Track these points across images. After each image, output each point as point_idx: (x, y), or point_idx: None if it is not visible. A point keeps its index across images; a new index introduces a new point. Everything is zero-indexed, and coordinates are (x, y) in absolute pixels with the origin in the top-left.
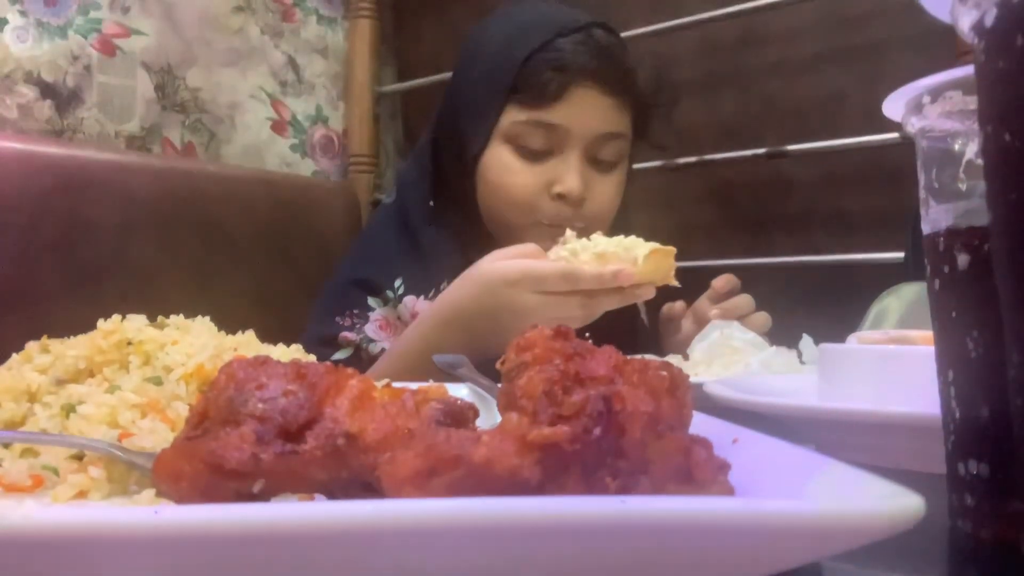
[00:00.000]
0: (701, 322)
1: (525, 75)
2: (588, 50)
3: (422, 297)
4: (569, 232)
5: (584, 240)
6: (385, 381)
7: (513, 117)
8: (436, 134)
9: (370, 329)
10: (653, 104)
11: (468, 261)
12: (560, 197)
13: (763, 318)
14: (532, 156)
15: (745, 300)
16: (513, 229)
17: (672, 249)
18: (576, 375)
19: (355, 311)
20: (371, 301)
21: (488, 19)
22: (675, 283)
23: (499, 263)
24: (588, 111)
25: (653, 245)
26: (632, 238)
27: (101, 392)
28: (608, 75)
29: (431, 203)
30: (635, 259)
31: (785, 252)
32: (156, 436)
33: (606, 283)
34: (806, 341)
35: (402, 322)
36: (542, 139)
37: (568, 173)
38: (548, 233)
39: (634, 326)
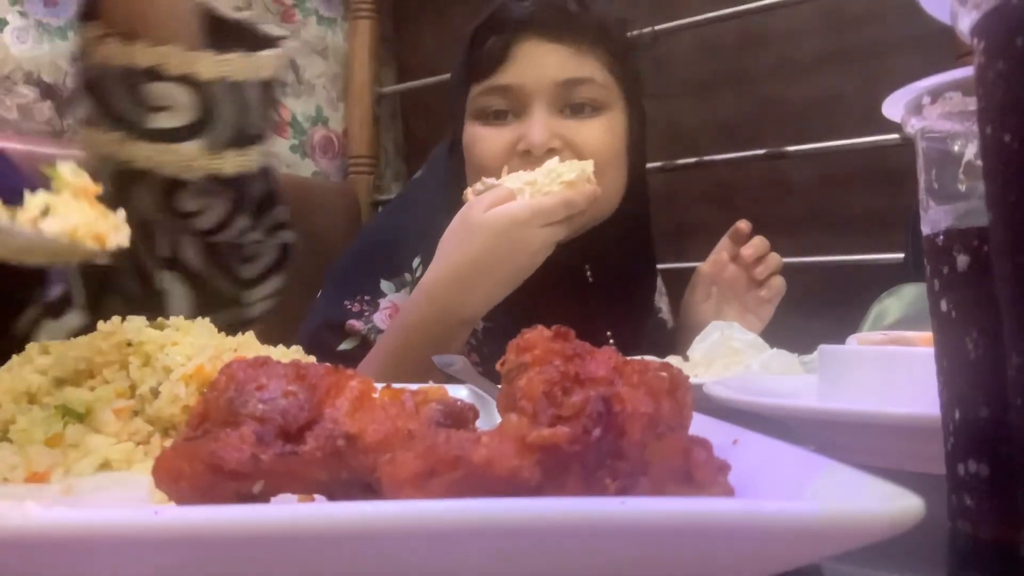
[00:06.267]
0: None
1: (475, 48)
2: (524, 6)
3: None
4: (486, 179)
5: (518, 175)
6: (384, 384)
7: (475, 92)
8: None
9: (379, 318)
10: (620, 42)
11: None
12: (527, 153)
13: (780, 281)
14: (498, 121)
15: (774, 258)
16: None
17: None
18: (576, 376)
19: (366, 297)
20: (383, 285)
21: None
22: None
23: (500, 208)
24: (538, 63)
25: (577, 163)
26: (555, 162)
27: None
28: (549, 23)
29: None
30: (588, 177)
31: (784, 253)
32: None
33: (591, 202)
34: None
35: None
36: (502, 102)
37: (530, 128)
38: None
39: (656, 325)
